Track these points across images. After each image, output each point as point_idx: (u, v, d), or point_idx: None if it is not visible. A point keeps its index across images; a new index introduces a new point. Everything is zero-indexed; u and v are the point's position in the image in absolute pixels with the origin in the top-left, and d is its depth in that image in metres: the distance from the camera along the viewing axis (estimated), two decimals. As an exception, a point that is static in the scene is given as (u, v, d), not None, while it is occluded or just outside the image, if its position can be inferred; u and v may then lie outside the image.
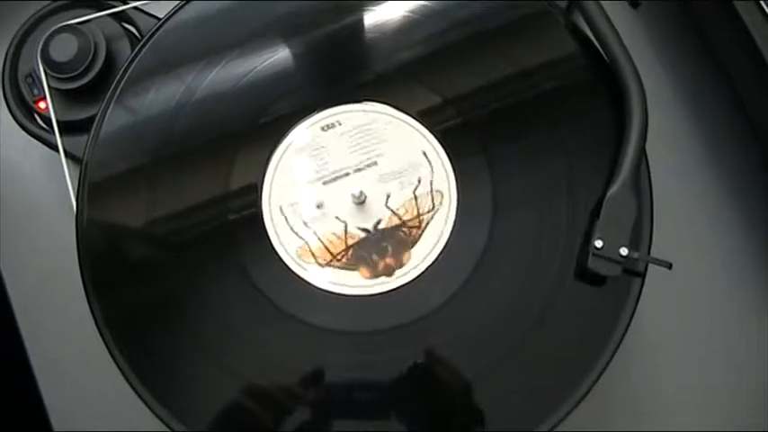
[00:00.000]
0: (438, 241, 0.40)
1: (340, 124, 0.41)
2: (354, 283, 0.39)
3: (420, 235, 0.39)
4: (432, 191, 0.40)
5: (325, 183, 0.41)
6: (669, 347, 0.46)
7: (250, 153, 0.41)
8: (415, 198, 0.40)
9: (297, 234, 0.40)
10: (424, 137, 0.41)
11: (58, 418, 0.47)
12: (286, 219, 0.40)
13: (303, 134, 0.42)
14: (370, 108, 0.42)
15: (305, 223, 0.40)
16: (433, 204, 0.40)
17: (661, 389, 0.46)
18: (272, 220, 0.40)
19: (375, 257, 0.39)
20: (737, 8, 0.42)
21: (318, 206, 0.41)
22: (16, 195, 0.51)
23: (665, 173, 0.45)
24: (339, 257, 0.40)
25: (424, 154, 0.41)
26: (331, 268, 0.40)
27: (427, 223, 0.40)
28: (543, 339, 0.38)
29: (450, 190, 0.41)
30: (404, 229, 0.40)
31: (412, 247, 0.39)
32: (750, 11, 0.42)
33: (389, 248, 0.40)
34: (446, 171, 0.41)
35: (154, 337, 0.40)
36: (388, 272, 0.39)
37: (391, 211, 0.40)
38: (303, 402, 0.38)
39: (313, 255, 0.40)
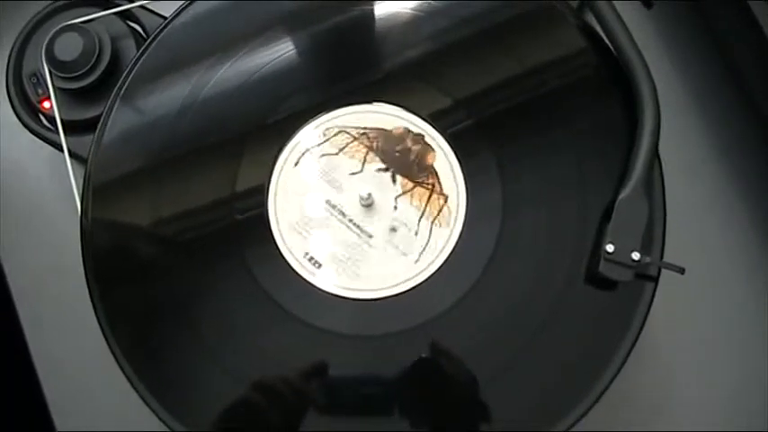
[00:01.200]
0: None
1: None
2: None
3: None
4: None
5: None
6: (680, 352, 0.46)
7: (257, 153, 0.41)
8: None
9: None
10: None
11: (61, 418, 0.47)
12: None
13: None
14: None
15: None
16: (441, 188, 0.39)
17: (673, 395, 0.45)
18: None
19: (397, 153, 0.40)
20: (751, 8, 0.42)
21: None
22: (21, 195, 0.51)
23: (676, 174, 0.45)
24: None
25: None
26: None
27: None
28: (553, 345, 0.38)
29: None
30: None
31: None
32: (764, 11, 0.42)
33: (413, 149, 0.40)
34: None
35: (157, 337, 0.39)
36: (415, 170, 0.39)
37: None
38: (307, 405, 0.38)
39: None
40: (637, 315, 0.38)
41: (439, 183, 0.40)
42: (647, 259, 0.37)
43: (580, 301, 0.38)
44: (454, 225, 0.39)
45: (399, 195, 0.40)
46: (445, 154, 0.41)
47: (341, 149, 0.41)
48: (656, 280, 0.38)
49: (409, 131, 0.41)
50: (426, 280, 0.39)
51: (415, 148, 0.40)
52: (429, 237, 0.39)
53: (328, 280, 0.39)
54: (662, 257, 0.38)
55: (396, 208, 0.40)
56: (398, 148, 0.40)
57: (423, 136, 0.41)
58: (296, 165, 0.41)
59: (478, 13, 0.42)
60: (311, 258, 0.39)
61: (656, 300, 0.38)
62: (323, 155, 0.41)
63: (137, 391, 0.38)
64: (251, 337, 0.39)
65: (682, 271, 0.37)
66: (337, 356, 0.38)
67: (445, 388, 0.38)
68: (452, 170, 0.40)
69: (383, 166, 0.41)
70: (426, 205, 0.40)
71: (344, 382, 0.38)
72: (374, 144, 0.41)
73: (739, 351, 0.46)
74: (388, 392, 0.38)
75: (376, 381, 0.38)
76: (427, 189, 0.40)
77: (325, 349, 0.38)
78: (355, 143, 0.40)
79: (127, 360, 0.39)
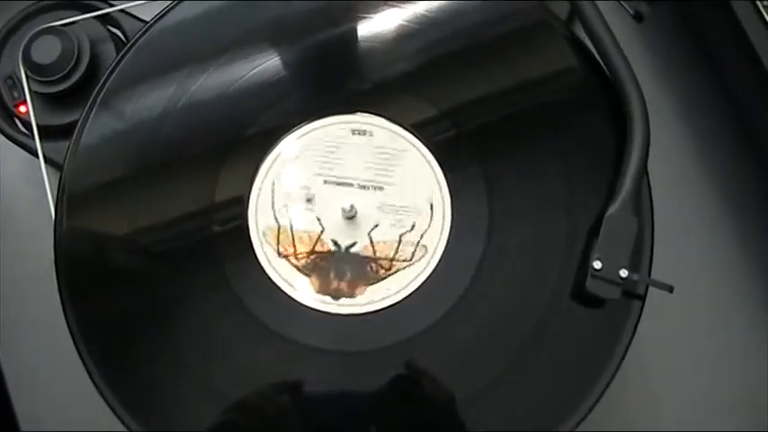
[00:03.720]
0: (431, 260, 0.38)
1: (372, 135, 0.40)
2: (341, 300, 0.38)
3: (384, 277, 0.38)
4: (418, 244, 0.39)
5: (326, 182, 0.40)
6: (668, 369, 0.46)
7: (237, 163, 0.40)
8: (399, 242, 0.39)
9: (275, 216, 0.39)
10: (438, 183, 0.40)
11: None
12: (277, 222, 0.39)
13: (292, 145, 0.40)
14: (364, 120, 0.41)
15: (286, 206, 0.39)
16: (411, 257, 0.38)
17: (660, 416, 0.45)
18: (258, 233, 0.39)
19: (331, 275, 0.38)
20: (740, 21, 0.42)
21: (308, 200, 0.39)
22: (-6, 201, 0.50)
23: (664, 190, 0.44)
24: (299, 257, 0.38)
25: (431, 206, 0.39)
26: (286, 262, 0.38)
27: (396, 270, 0.38)
28: (537, 365, 0.37)
29: (444, 206, 0.39)
30: (372, 263, 0.39)
31: (370, 284, 0.38)
32: (753, 24, 0.41)
33: (348, 274, 0.38)
34: (443, 224, 0.39)
35: (131, 350, 0.38)
36: (335, 294, 0.38)
37: (370, 240, 0.39)
38: (283, 422, 0.37)
39: (278, 240, 0.39)
40: (623, 334, 0.37)
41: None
42: (635, 277, 0.36)
43: (566, 319, 0.37)
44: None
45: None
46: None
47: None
48: (643, 298, 0.37)
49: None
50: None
51: (342, 285, 0.39)
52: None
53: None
54: (650, 275, 0.38)
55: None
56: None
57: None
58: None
59: (467, 26, 0.42)
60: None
61: (642, 318, 0.37)
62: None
63: (107, 403, 0.37)
64: (227, 351, 0.38)
65: (670, 289, 0.36)
66: (316, 372, 0.37)
67: (423, 407, 0.37)
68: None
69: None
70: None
71: (323, 399, 0.37)
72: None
73: (728, 370, 0.46)
74: (365, 410, 0.37)
75: (354, 398, 0.37)
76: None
77: (304, 364, 0.37)
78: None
79: (99, 372, 0.38)
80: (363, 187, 0.40)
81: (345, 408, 0.37)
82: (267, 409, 0.37)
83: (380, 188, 0.40)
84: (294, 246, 0.39)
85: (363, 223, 0.39)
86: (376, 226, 0.39)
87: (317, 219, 0.39)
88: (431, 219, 0.39)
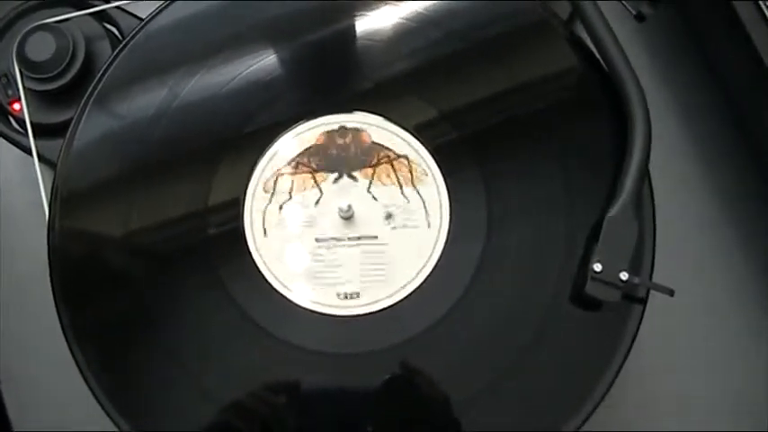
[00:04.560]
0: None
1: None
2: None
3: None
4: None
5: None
6: (668, 374, 0.45)
7: (233, 163, 0.40)
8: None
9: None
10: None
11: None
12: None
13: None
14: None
15: (282, 205, 0.39)
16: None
17: (659, 421, 0.45)
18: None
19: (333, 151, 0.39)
20: (743, 23, 0.41)
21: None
22: (-13, 200, 0.50)
23: (665, 193, 0.44)
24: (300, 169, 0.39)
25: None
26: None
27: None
28: (537, 368, 0.37)
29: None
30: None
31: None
32: (755, 26, 0.41)
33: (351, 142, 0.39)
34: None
35: (125, 352, 0.38)
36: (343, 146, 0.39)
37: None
38: (279, 423, 0.37)
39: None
40: (624, 338, 0.37)
41: (388, 150, 0.40)
42: (636, 280, 0.36)
43: (565, 322, 0.37)
44: (436, 243, 0.38)
45: (369, 186, 0.39)
46: (429, 166, 0.39)
47: (290, 191, 0.39)
48: (644, 301, 0.37)
49: (330, 131, 0.40)
50: (407, 297, 0.38)
51: (348, 140, 0.39)
52: (421, 198, 0.39)
53: (305, 295, 0.38)
54: (651, 278, 0.37)
55: (375, 198, 0.39)
56: (334, 151, 0.40)
57: (343, 126, 0.40)
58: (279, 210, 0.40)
59: (465, 25, 0.41)
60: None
61: (643, 321, 0.37)
62: (280, 206, 0.39)
63: (101, 406, 0.37)
64: (222, 352, 0.38)
65: (671, 293, 0.36)
66: (312, 374, 0.37)
67: (422, 410, 0.37)
68: (435, 182, 0.39)
69: (335, 174, 0.40)
70: (396, 175, 0.39)
71: (319, 401, 0.37)
72: (312, 164, 0.40)
73: (727, 372, 0.46)
74: (361, 413, 0.37)
75: (350, 400, 0.37)
76: (386, 163, 0.39)
77: (300, 366, 0.37)
78: (297, 177, 0.40)
79: (92, 374, 0.37)
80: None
81: (341, 410, 0.37)
82: (262, 410, 0.37)
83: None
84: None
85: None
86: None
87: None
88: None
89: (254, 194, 0.39)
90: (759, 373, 0.45)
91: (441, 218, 0.39)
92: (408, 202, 0.39)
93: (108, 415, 0.37)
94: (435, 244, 0.38)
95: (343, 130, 0.40)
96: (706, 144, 0.49)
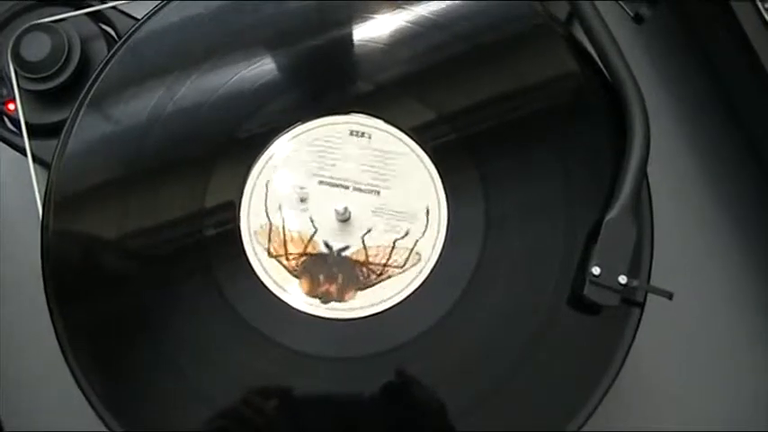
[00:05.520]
0: (426, 265, 0.38)
1: (370, 137, 0.40)
2: (333, 305, 0.37)
3: (375, 283, 0.38)
4: (412, 250, 0.38)
5: (321, 182, 0.39)
6: (666, 377, 0.45)
7: (229, 165, 0.39)
8: (393, 247, 0.38)
9: (267, 214, 0.39)
10: (436, 191, 0.39)
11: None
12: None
13: (285, 146, 0.40)
14: (362, 121, 0.40)
15: (280, 206, 0.39)
16: (404, 264, 0.38)
17: (658, 425, 0.44)
18: (249, 235, 0.38)
19: (321, 278, 0.38)
20: (743, 27, 0.41)
21: (302, 200, 0.39)
22: (-19, 201, 0.50)
23: (663, 195, 0.44)
24: (290, 258, 0.38)
25: (427, 212, 0.39)
26: (276, 262, 0.38)
27: (388, 276, 0.38)
28: (534, 372, 0.36)
29: (440, 211, 0.39)
30: (364, 268, 0.38)
31: (360, 289, 0.38)
32: (755, 29, 0.41)
33: (339, 278, 0.38)
34: (439, 229, 0.38)
35: (118, 354, 0.38)
36: (325, 298, 0.37)
37: (363, 244, 0.38)
38: (273, 427, 0.37)
39: (269, 239, 0.38)
40: (622, 341, 0.36)
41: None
42: (635, 283, 0.36)
43: (563, 326, 0.37)
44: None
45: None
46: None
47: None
48: (642, 305, 0.37)
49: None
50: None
51: (332, 288, 0.38)
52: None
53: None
54: (649, 281, 0.37)
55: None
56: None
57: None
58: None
59: (465, 28, 0.41)
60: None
61: (641, 325, 0.37)
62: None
63: (94, 409, 0.37)
64: (217, 355, 0.37)
65: (670, 296, 0.36)
66: (307, 377, 0.37)
67: (415, 416, 0.37)
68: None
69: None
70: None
71: (313, 405, 0.36)
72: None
73: (727, 378, 0.45)
74: (355, 417, 0.36)
75: (343, 404, 0.36)
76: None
77: (295, 369, 0.37)
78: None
79: (85, 377, 0.37)
80: (358, 190, 0.39)
81: (335, 414, 0.37)
82: (256, 413, 0.37)
83: (377, 192, 0.39)
84: (285, 246, 0.38)
85: (357, 226, 0.39)
86: (369, 230, 0.39)
87: (311, 219, 0.39)
88: (426, 224, 0.39)
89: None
90: (758, 375, 0.45)
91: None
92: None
93: (100, 418, 0.36)
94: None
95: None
96: (705, 146, 0.49)
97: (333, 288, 0.37)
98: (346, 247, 0.38)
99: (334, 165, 0.40)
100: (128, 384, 0.38)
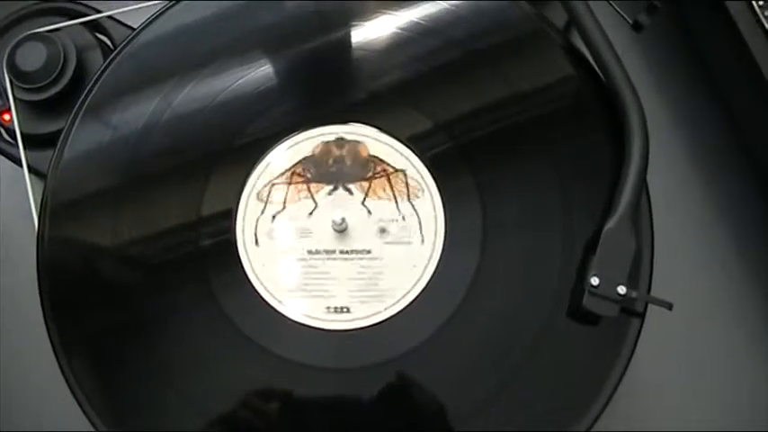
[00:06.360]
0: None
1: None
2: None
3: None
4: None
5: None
6: (666, 391, 0.45)
7: (225, 175, 0.39)
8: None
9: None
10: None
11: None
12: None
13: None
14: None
15: (275, 215, 0.39)
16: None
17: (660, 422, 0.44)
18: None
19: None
20: (742, 33, 0.41)
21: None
22: (-24, 212, 0.49)
23: (663, 205, 0.44)
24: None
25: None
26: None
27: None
28: (532, 384, 0.36)
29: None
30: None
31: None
32: (753, 36, 0.41)
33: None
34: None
35: (113, 364, 0.38)
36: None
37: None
38: None
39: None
40: (622, 353, 0.36)
41: (386, 164, 0.39)
42: (634, 294, 0.35)
43: (562, 337, 0.37)
44: (431, 256, 0.38)
45: (363, 200, 0.39)
46: (423, 178, 0.39)
47: (284, 202, 0.39)
48: (642, 315, 0.36)
49: (328, 142, 0.40)
50: (401, 311, 0.37)
51: (344, 152, 0.39)
52: (416, 213, 0.38)
53: (296, 309, 0.37)
54: (649, 291, 0.37)
55: (370, 212, 0.39)
56: (331, 162, 0.39)
57: (341, 137, 0.40)
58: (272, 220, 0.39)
59: (461, 34, 0.41)
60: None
61: (641, 336, 0.36)
62: (273, 216, 0.39)
63: (88, 419, 0.37)
64: (213, 366, 0.37)
65: (669, 307, 0.35)
66: (304, 388, 0.36)
67: (416, 425, 0.36)
68: (431, 194, 0.39)
69: (330, 186, 0.39)
70: (392, 189, 0.39)
71: (311, 416, 0.36)
72: (308, 174, 0.39)
73: (727, 387, 0.45)
74: (355, 428, 0.36)
75: (343, 415, 0.36)
76: (382, 176, 0.39)
77: (292, 380, 0.36)
78: (292, 187, 0.39)
79: (80, 386, 0.37)
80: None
81: (335, 426, 0.36)
82: (254, 425, 0.36)
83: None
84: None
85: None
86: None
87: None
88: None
89: (246, 205, 0.39)
90: (759, 383, 0.45)
91: (435, 233, 0.38)
92: (403, 217, 0.39)
93: (95, 427, 0.36)
94: (429, 259, 0.38)
95: (340, 141, 0.40)
96: (704, 154, 0.49)
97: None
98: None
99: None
100: (123, 393, 0.37)
